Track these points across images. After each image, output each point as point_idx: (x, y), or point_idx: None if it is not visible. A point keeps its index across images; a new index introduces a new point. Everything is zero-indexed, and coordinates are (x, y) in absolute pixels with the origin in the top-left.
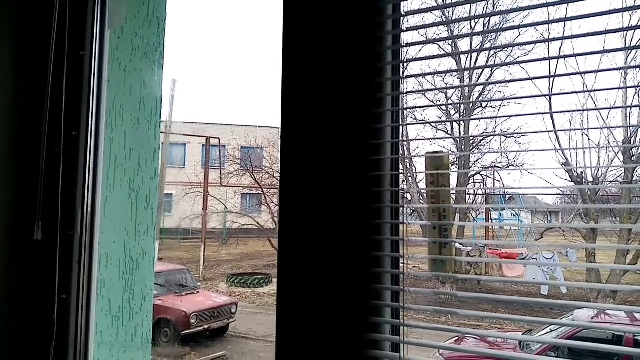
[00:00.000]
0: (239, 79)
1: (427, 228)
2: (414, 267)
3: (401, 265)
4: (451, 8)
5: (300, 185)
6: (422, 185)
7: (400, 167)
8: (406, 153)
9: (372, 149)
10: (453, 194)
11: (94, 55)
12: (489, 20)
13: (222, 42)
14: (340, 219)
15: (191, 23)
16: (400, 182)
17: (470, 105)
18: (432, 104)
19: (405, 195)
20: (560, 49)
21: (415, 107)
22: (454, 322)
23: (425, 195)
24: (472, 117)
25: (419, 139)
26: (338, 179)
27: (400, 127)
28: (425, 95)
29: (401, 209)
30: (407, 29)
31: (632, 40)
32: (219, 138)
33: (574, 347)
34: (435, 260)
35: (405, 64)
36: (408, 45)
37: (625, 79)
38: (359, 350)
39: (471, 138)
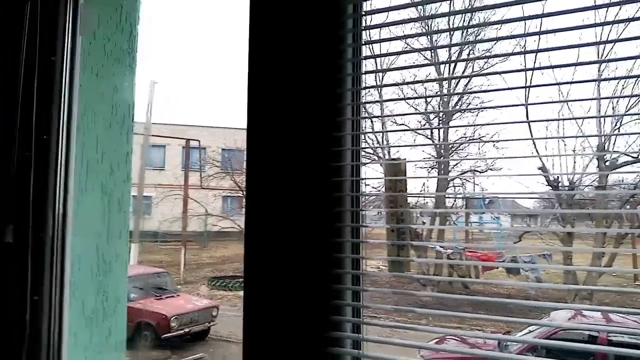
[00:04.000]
0: (219, 81)
1: (386, 231)
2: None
3: (361, 266)
4: (430, 19)
5: (265, 190)
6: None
7: (366, 172)
8: (386, 156)
9: (333, 156)
10: (433, 196)
11: (65, 60)
12: (468, 26)
13: (202, 44)
14: (303, 222)
15: (171, 25)
16: (361, 186)
17: (447, 113)
18: (410, 110)
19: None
20: (535, 57)
21: (374, 117)
22: (437, 323)
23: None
24: (449, 125)
25: (398, 145)
26: (301, 183)
27: (361, 134)
28: (406, 101)
29: (361, 212)
30: (365, 42)
31: (604, 52)
32: (198, 140)
33: (550, 347)
34: (393, 261)
35: (364, 75)
36: (367, 54)
37: (599, 87)
38: (321, 348)
39: (450, 144)
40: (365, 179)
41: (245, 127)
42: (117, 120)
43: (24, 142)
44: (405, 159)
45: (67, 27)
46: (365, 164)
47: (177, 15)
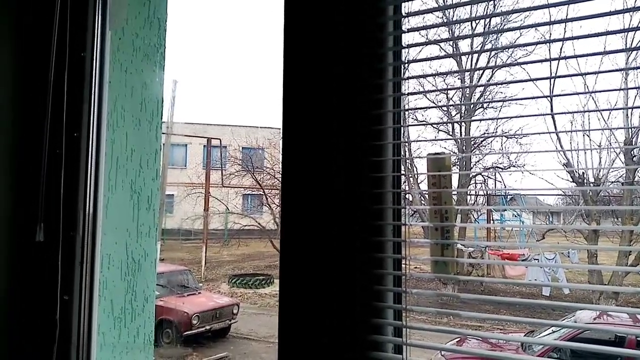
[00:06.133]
0: (240, 79)
1: (428, 229)
2: (415, 267)
3: (403, 266)
4: (452, 9)
5: (301, 187)
6: (423, 186)
7: (402, 168)
8: (407, 154)
9: (373, 150)
10: (455, 194)
11: (95, 56)
12: (490, 21)
13: (223, 43)
14: (342, 220)
15: (193, 24)
16: (402, 183)
17: (471, 106)
18: (433, 104)
19: (406, 196)
20: (561, 49)
21: (417, 108)
22: (456, 323)
23: (426, 196)
24: (472, 119)
25: (420, 140)
26: (339, 180)
27: (402, 128)
28: (426, 96)
29: (403, 210)
30: (409, 30)
31: (632, 41)
32: (220, 139)
33: (576, 349)
34: (437, 261)
35: (406, 65)
36: (409, 46)
37: (626, 79)
38: (361, 352)
39: (472, 139)
40: (407, 174)
41: (267, 125)
42: (146, 117)
43: (54, 140)
44: (450, 152)
45: (96, 22)
46: (406, 158)
47: (198, 13)
